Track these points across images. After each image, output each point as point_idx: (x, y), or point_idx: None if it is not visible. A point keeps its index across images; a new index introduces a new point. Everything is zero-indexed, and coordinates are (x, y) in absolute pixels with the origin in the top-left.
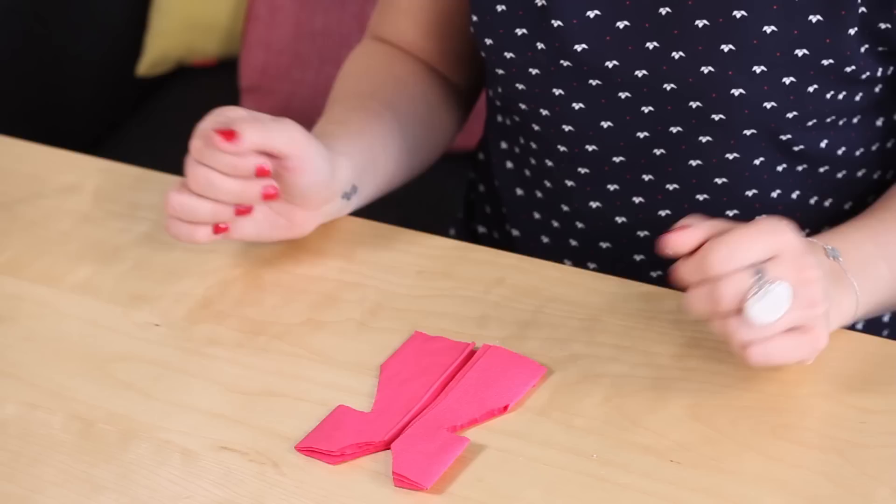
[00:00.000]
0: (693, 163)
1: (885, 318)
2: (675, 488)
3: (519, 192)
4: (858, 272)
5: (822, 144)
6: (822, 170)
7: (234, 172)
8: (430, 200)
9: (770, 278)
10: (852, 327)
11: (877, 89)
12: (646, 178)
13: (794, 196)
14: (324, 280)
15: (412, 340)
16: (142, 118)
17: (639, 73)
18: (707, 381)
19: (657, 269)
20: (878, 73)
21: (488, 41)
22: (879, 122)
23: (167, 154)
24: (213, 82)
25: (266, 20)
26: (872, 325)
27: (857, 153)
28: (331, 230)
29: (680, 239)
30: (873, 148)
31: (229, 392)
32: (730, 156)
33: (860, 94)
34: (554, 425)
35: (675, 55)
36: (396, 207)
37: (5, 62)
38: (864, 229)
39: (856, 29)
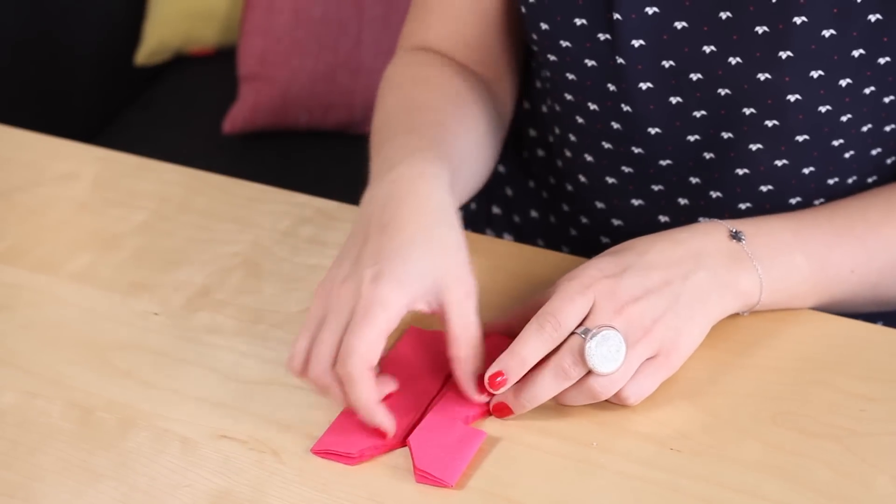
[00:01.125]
0: (740, 171)
1: None
2: (675, 476)
3: (551, 180)
4: (766, 256)
5: (874, 153)
6: (870, 180)
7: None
8: None
9: (595, 329)
10: (855, 316)
11: None
12: (693, 180)
13: None
14: (322, 268)
15: (408, 335)
16: (140, 107)
17: (693, 77)
18: (707, 369)
19: None
20: None
21: (544, 26)
22: None
23: (165, 142)
24: (211, 71)
25: (264, 8)
26: (871, 314)
27: None
28: (328, 218)
29: (519, 363)
30: None
31: (228, 380)
32: (778, 163)
33: None
34: (553, 413)
35: (732, 61)
36: None
37: (4, 51)
38: (789, 221)
39: None
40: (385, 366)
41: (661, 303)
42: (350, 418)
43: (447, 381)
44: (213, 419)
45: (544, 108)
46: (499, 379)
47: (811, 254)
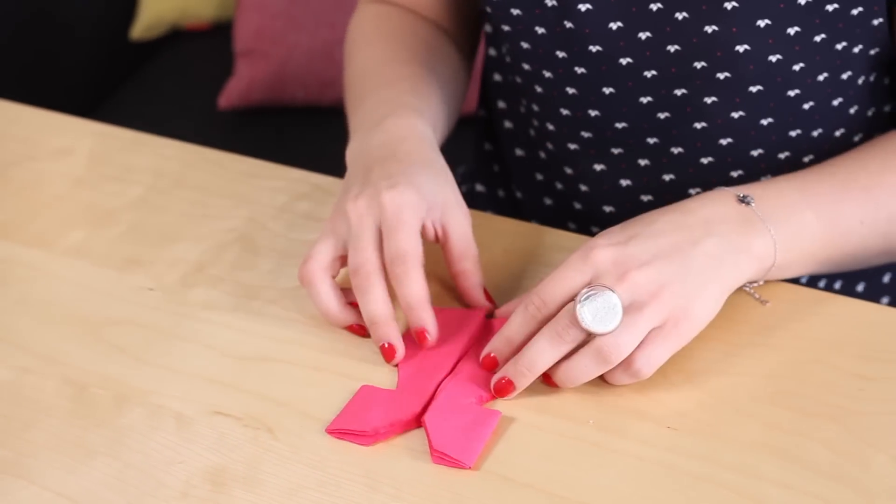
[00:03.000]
0: (698, 125)
1: (886, 279)
2: (672, 454)
3: (519, 152)
4: (776, 217)
5: (835, 103)
6: (837, 133)
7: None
8: None
9: (596, 290)
10: (848, 293)
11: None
12: (650, 141)
13: (805, 160)
14: None
15: None
16: (136, 82)
17: (642, 36)
18: (704, 347)
19: None
20: (883, 19)
21: None
22: (887, 81)
23: (161, 117)
24: (207, 46)
25: None
26: (872, 291)
27: (870, 113)
28: (325, 194)
29: (504, 343)
30: (886, 109)
31: (223, 357)
32: (735, 114)
33: (875, 46)
34: (550, 391)
35: (679, 16)
36: None
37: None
38: (793, 180)
39: None
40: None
41: (669, 268)
42: (365, 398)
43: (460, 361)
44: (207, 395)
45: (510, 81)
46: (488, 359)
47: (820, 209)
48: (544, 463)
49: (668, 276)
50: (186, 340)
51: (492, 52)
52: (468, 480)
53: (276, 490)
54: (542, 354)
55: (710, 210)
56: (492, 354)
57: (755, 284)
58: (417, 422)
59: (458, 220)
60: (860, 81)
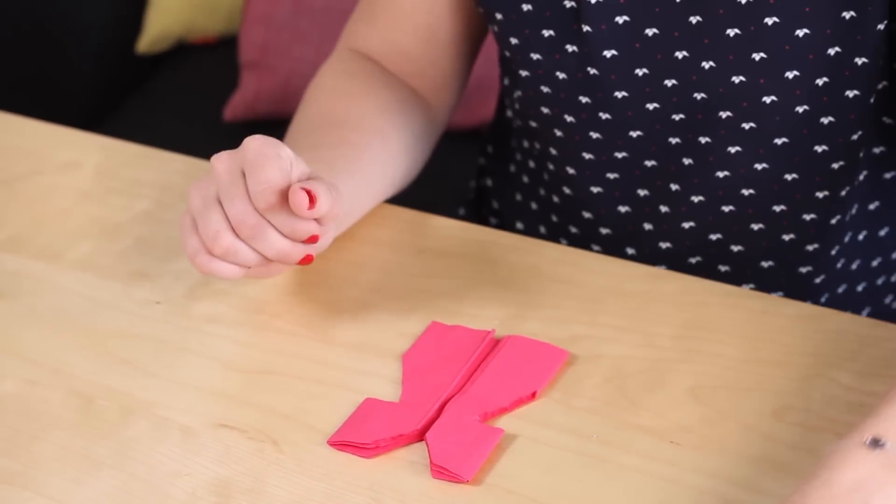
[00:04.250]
0: (720, 174)
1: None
2: (675, 469)
3: (541, 192)
4: None
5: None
6: (871, 206)
7: (290, 235)
8: (435, 178)
9: None
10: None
11: None
12: (673, 187)
13: (833, 222)
14: (324, 259)
15: (430, 330)
16: (142, 95)
17: (668, 83)
18: (707, 362)
19: None
20: None
21: (514, 40)
22: None
23: (167, 131)
24: (213, 59)
25: None
26: (877, 312)
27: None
28: None
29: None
30: None
31: (229, 370)
32: (759, 166)
33: None
34: (554, 406)
35: (706, 65)
36: None
37: (6, 38)
38: None
39: (885, 23)
40: (405, 358)
41: None
42: (366, 412)
43: (465, 377)
44: (213, 408)
45: (523, 126)
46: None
47: None
48: (548, 477)
49: None
50: (192, 353)
51: (506, 100)
52: (473, 494)
53: (280, 502)
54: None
55: (853, 472)
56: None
57: None
58: (420, 436)
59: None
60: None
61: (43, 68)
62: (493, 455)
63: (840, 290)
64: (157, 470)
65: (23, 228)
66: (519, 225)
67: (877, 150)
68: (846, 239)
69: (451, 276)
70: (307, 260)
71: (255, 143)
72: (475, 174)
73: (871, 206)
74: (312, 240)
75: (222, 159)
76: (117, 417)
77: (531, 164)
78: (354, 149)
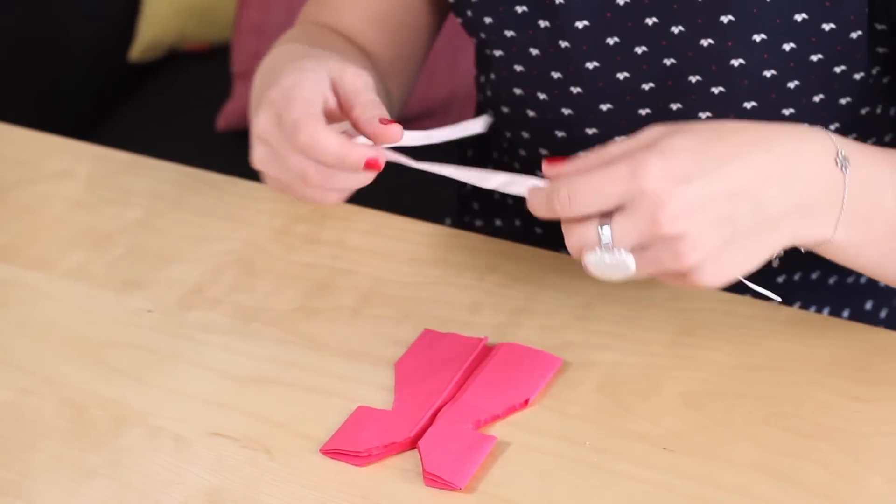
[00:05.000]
0: None
1: (882, 315)
2: (668, 476)
3: (498, 192)
4: (859, 194)
5: (832, 128)
6: None
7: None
8: (421, 187)
9: (615, 237)
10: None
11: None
12: None
13: None
14: (316, 267)
15: (423, 338)
16: (134, 104)
17: (638, 50)
18: (700, 369)
19: None
20: (882, 49)
21: (487, 20)
22: (893, 112)
23: (159, 139)
24: (205, 68)
25: (258, 5)
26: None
27: (870, 142)
28: (323, 216)
29: (555, 170)
30: (886, 139)
31: (221, 378)
32: None
33: (872, 70)
34: (547, 413)
35: (675, 30)
36: (388, 194)
37: None
38: (887, 154)
39: None
40: (397, 368)
41: (708, 234)
42: (358, 420)
43: (458, 384)
44: (205, 417)
45: (492, 114)
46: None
47: None
48: (541, 484)
49: (706, 238)
50: (185, 362)
51: (480, 94)
52: (466, 502)
53: None
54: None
55: (801, 162)
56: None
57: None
58: (412, 444)
59: (349, 71)
60: (864, 111)
61: (35, 77)
62: (485, 462)
63: (813, 276)
64: (150, 479)
65: (15, 237)
66: (497, 222)
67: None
68: None
69: (443, 283)
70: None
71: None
72: (456, 183)
73: None
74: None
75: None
76: (110, 426)
77: (506, 158)
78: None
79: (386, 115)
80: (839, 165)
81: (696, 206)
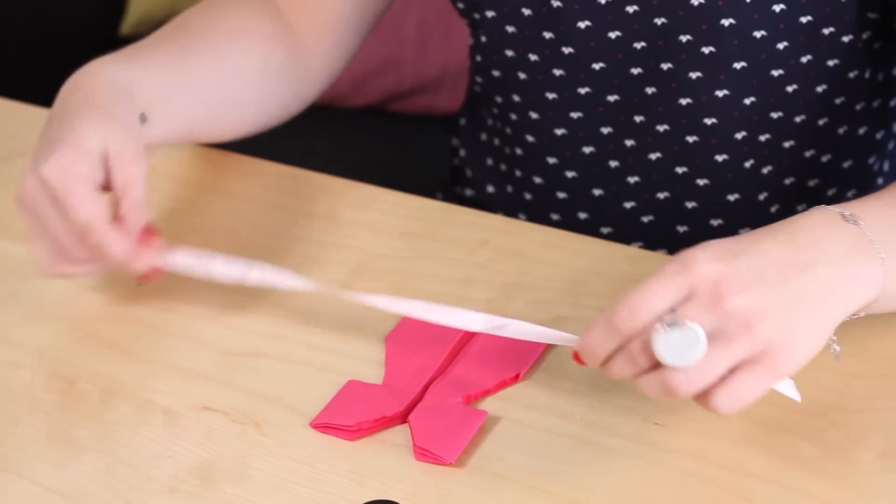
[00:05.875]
0: (683, 101)
1: None
2: (659, 451)
3: (506, 150)
4: (888, 241)
5: (819, 90)
6: (820, 122)
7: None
8: (414, 162)
9: (680, 320)
10: None
11: (868, 35)
12: (637, 119)
13: (786, 145)
14: (307, 240)
15: None
16: None
17: (629, 9)
18: None
19: (648, 215)
20: (873, 15)
21: None
22: (881, 77)
23: None
24: None
25: None
26: None
27: (858, 107)
28: (313, 190)
29: (590, 352)
30: (875, 104)
31: (211, 352)
32: (719, 93)
33: (863, 34)
34: (537, 387)
35: None
36: (380, 169)
37: None
38: (885, 196)
39: None
40: (387, 343)
41: (773, 295)
42: (349, 394)
43: (449, 359)
44: (195, 391)
45: (480, 80)
46: (577, 359)
47: None
48: (532, 459)
49: (772, 304)
50: (174, 336)
51: (472, 56)
52: (455, 476)
53: (263, 485)
54: (619, 370)
55: (820, 231)
56: (580, 357)
57: (856, 317)
58: (402, 418)
59: (126, 157)
60: (851, 75)
61: (25, 50)
62: (476, 437)
63: None
64: (140, 452)
65: (5, 211)
66: (490, 188)
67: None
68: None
69: (434, 257)
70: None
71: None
72: (448, 157)
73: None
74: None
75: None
76: (99, 400)
77: (498, 124)
78: (187, 50)
79: (147, 222)
80: (849, 221)
81: (753, 277)
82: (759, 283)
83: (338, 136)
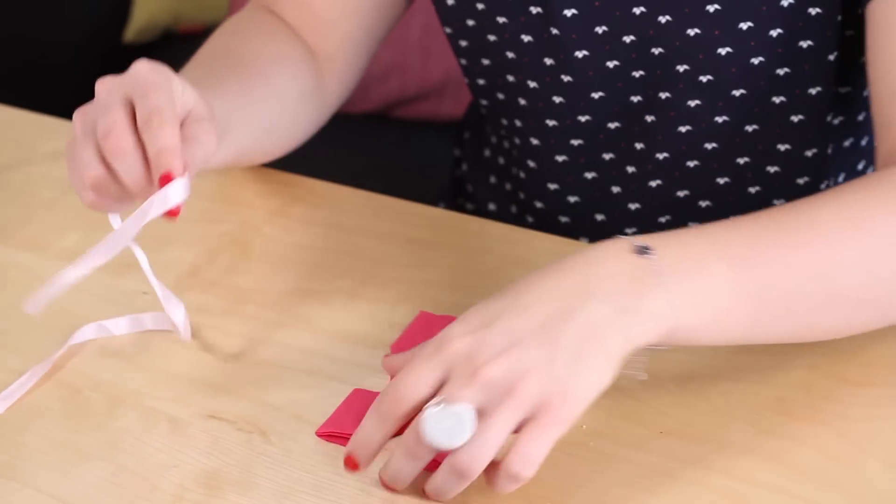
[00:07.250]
0: (683, 129)
1: None
2: (664, 459)
3: (513, 171)
4: (679, 271)
5: (829, 118)
6: (830, 151)
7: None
8: (417, 169)
9: (446, 401)
10: None
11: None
12: (638, 146)
13: (800, 182)
14: (312, 249)
15: (418, 320)
16: None
17: (626, 39)
18: (697, 352)
19: None
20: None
21: (480, 6)
22: None
23: None
24: None
25: None
26: None
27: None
28: (319, 198)
29: (361, 445)
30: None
31: (217, 360)
32: (720, 119)
33: (860, 58)
34: None
35: (662, 19)
36: (383, 176)
37: None
38: (703, 228)
39: None
40: (394, 349)
41: (530, 354)
42: (356, 402)
43: None
44: (201, 399)
45: (486, 102)
46: (350, 463)
47: (732, 259)
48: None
49: (530, 363)
50: (180, 344)
51: (473, 80)
52: None
53: (269, 494)
54: (401, 472)
55: (596, 268)
56: (354, 459)
57: (661, 348)
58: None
59: (197, 123)
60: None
61: (30, 57)
62: None
63: None
64: (146, 461)
65: (10, 219)
66: (492, 206)
67: (835, 122)
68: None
69: (439, 265)
70: (173, 213)
71: (144, 70)
72: (451, 165)
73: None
74: (166, 179)
75: (105, 83)
76: (105, 408)
77: (505, 144)
78: (242, 77)
79: (179, 168)
80: (640, 254)
81: (506, 342)
82: (512, 347)
83: (341, 142)
